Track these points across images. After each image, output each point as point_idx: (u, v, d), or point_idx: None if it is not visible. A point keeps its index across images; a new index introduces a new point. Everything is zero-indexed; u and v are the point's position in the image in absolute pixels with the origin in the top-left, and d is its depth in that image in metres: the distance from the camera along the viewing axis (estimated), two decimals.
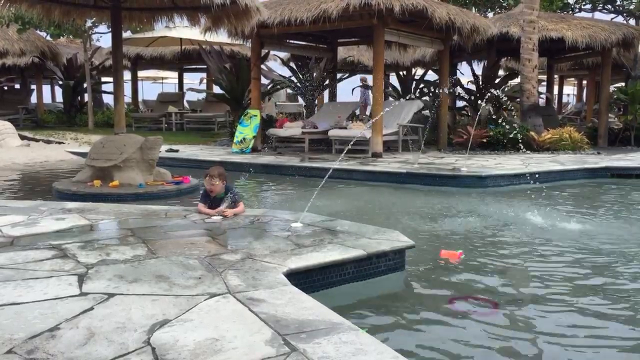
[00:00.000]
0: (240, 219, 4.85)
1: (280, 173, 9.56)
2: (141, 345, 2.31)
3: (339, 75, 16.29)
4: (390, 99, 14.60)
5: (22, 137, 14.00)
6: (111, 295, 2.90)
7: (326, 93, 15.40)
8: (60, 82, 20.26)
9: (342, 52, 17.61)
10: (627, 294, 3.83)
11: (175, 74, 25.84)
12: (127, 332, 2.44)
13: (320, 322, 2.55)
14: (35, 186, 8.56)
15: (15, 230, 4.38)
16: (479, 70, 15.20)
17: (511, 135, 11.41)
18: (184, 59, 20.31)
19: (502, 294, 3.83)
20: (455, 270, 4.30)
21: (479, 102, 12.77)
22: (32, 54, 18.68)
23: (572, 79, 28.32)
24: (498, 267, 4.43)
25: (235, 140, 12.01)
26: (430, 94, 12.45)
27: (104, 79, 21.87)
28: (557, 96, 23.33)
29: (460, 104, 16.01)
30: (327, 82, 14.29)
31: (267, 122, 12.82)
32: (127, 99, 18.46)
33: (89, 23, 16.76)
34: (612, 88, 15.59)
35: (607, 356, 2.98)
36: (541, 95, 17.09)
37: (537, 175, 8.12)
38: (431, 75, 17.43)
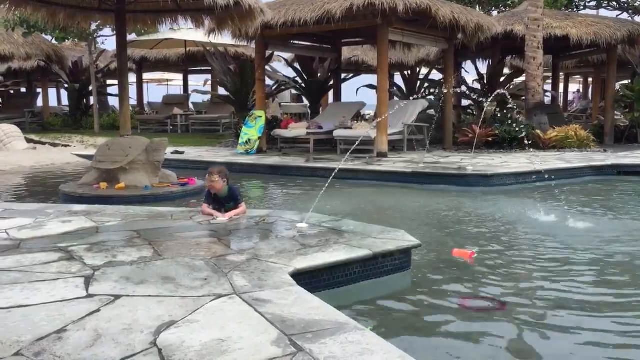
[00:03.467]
0: (246, 220, 4.85)
1: (285, 174, 9.56)
2: (148, 347, 2.31)
3: (343, 76, 16.27)
4: (396, 98, 14.58)
5: (29, 141, 14.04)
6: (117, 297, 2.91)
7: (330, 93, 15.40)
8: (66, 86, 20.37)
9: (346, 52, 17.59)
10: None
11: (180, 76, 25.92)
12: (134, 333, 2.45)
13: (326, 322, 2.55)
14: (42, 189, 8.59)
15: (22, 233, 4.40)
16: (483, 69, 15.16)
17: (516, 131, 11.36)
18: (189, 61, 20.38)
19: (510, 293, 3.81)
20: (462, 269, 4.29)
21: (484, 100, 12.74)
22: (38, 57, 18.76)
23: (578, 76, 28.19)
24: (505, 267, 4.40)
25: (240, 141, 12.02)
26: (435, 93, 12.42)
27: (109, 82, 21.95)
28: (562, 94, 23.25)
29: (465, 102, 15.98)
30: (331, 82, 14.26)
31: (272, 123, 12.82)
32: (133, 101, 18.57)
33: (93, 26, 16.82)
34: (617, 85, 15.52)
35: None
36: (546, 94, 17.03)
37: (543, 174, 8.08)
38: (436, 75, 17.38)
